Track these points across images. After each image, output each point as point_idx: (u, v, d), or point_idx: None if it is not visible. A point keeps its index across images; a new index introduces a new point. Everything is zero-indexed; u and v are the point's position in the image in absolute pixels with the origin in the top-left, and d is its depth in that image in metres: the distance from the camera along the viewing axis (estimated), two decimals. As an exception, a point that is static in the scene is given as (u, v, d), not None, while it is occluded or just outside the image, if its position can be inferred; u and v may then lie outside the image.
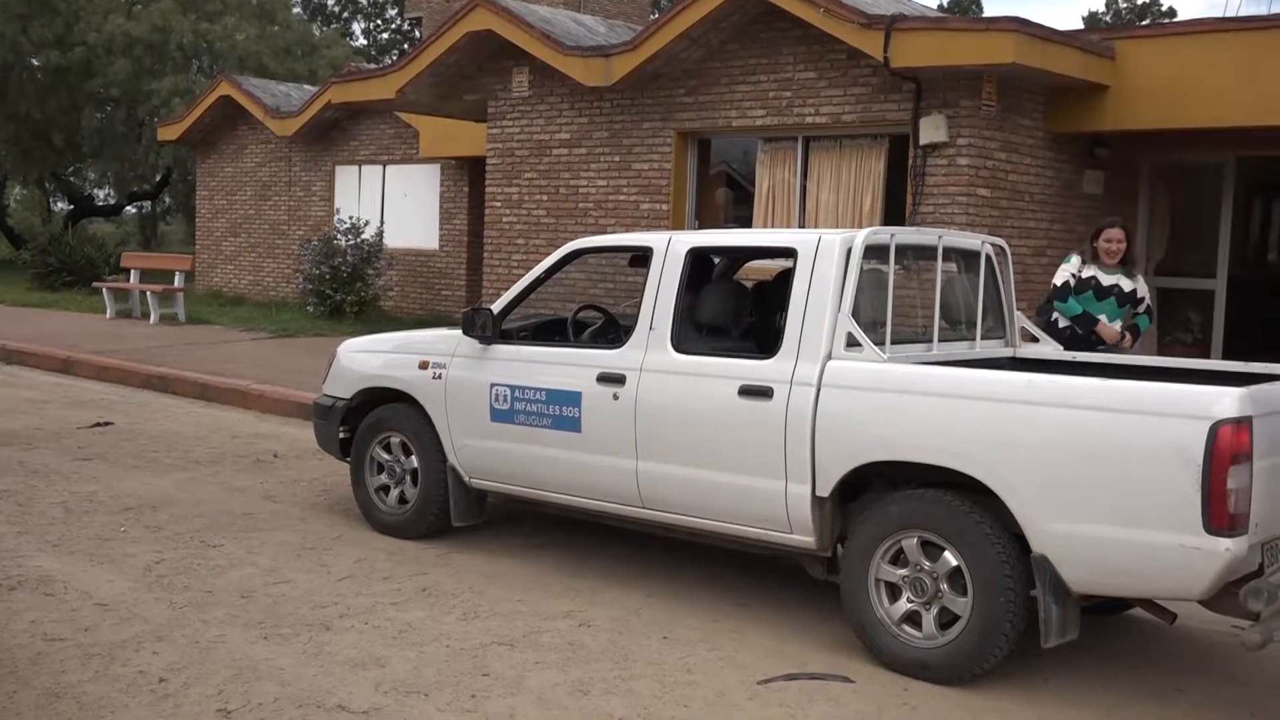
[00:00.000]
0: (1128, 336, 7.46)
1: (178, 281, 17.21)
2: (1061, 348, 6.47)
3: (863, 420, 4.84)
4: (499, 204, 13.68)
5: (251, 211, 20.41)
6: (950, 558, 4.63)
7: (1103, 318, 7.40)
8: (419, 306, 17.93)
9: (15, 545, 6.14)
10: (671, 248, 5.63)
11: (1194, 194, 12.33)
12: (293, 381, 11.24)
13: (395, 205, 18.44)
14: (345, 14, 54.95)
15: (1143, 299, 7.55)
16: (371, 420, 6.72)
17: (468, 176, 17.32)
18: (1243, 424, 4.08)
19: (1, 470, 7.86)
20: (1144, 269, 7.53)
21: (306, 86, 22.09)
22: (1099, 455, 4.28)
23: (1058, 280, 7.53)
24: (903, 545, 4.76)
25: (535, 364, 5.95)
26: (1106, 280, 7.43)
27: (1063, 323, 7.45)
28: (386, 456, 6.65)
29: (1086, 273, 7.46)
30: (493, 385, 6.06)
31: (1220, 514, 4.06)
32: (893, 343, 5.17)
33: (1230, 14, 11.28)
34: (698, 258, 5.78)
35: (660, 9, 31.63)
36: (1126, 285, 7.46)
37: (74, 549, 6.12)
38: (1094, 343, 7.30)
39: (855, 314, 5.02)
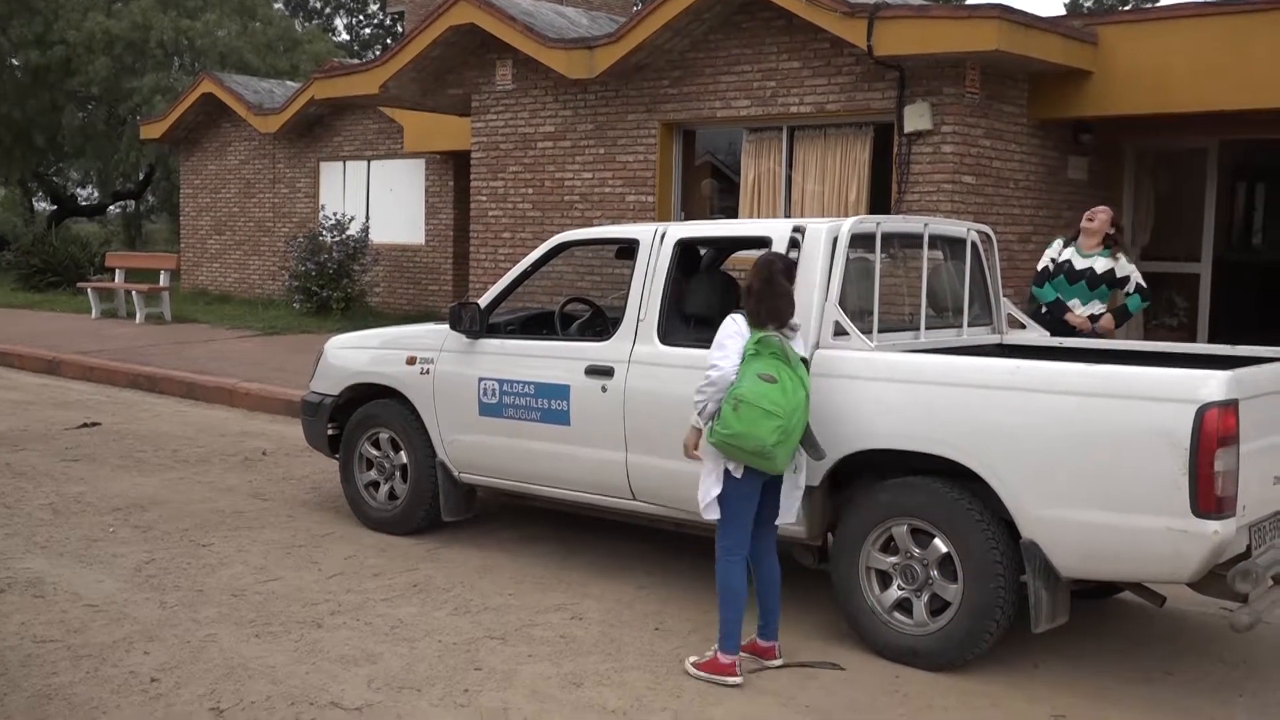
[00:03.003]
0: (1104, 319, 7.45)
1: (163, 280, 17.14)
2: (1048, 333, 6.50)
3: (851, 409, 4.85)
4: (484, 198, 13.65)
5: (236, 209, 20.33)
6: (940, 545, 4.65)
7: (1074, 303, 7.43)
8: (406, 302, 17.89)
9: (3, 547, 6.12)
10: (658, 239, 5.62)
11: (1178, 178, 12.36)
12: (280, 379, 11.21)
13: (380, 201, 18.38)
14: (327, 9, 54.72)
15: (1126, 278, 7.50)
16: (360, 417, 6.71)
17: (453, 171, 17.27)
18: (1229, 407, 4.11)
19: (-12, 472, 7.83)
20: (1120, 255, 7.48)
21: (289, 83, 21.98)
22: (1087, 440, 4.30)
23: (1039, 265, 7.62)
24: (893, 533, 4.78)
25: (523, 358, 5.95)
26: (1080, 264, 7.45)
27: (1044, 308, 7.51)
28: (375, 452, 6.64)
29: (1063, 257, 7.50)
30: (481, 379, 6.05)
31: (1208, 497, 4.08)
32: (880, 331, 5.17)
33: (1211, -2, 11.28)
34: (685, 249, 5.78)
35: (642, 0, 31.55)
36: (1101, 267, 7.42)
37: (63, 550, 6.10)
38: (1067, 328, 7.29)
39: (842, 303, 5.03)
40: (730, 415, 4.41)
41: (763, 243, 5.33)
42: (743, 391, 4.41)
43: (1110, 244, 7.50)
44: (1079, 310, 7.43)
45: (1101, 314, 7.47)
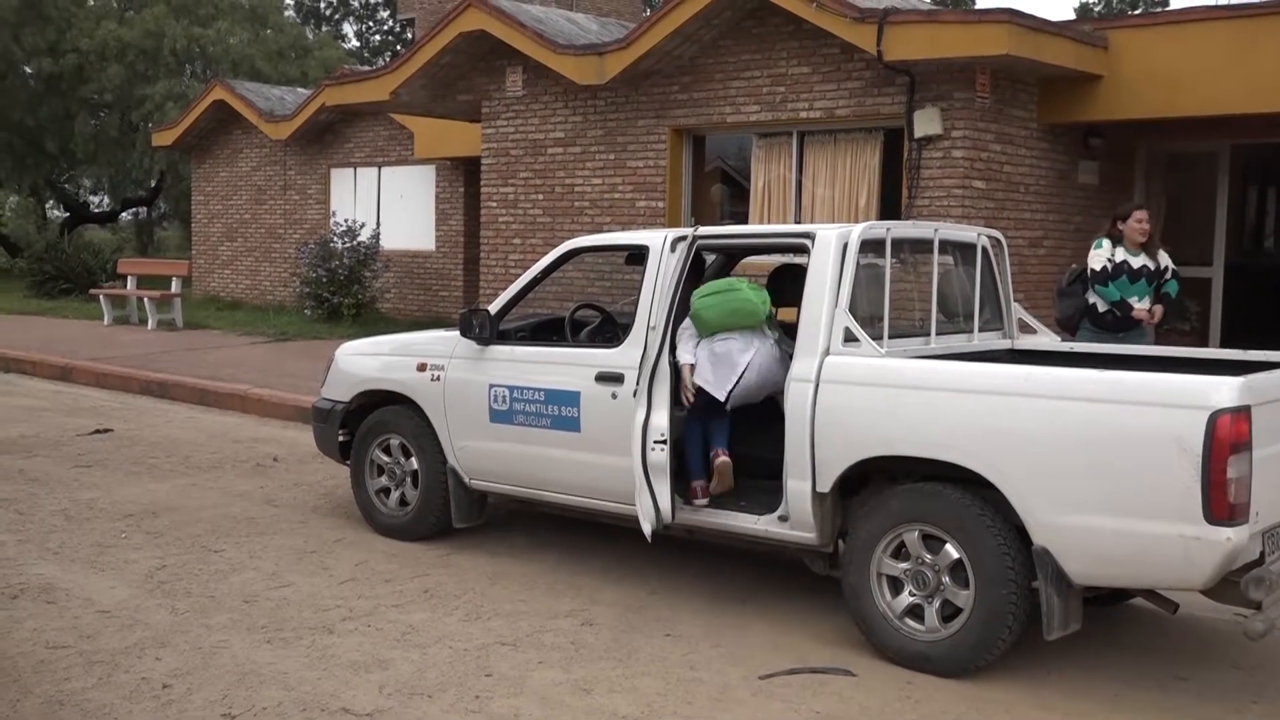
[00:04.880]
0: (1156, 309, 7.85)
1: (175, 287, 17.20)
2: (1058, 338, 6.51)
3: (862, 416, 4.84)
4: (495, 204, 13.67)
5: (247, 215, 20.39)
6: (951, 550, 4.64)
7: (1133, 299, 7.78)
8: (416, 308, 17.93)
9: (16, 553, 6.14)
10: (668, 246, 5.62)
11: (1189, 182, 12.33)
12: (291, 385, 11.23)
13: (391, 207, 18.43)
14: (337, 16, 54.91)
15: (1167, 267, 7.92)
16: (371, 423, 6.72)
17: (463, 177, 17.31)
18: (1241, 413, 4.09)
19: (1, 478, 7.85)
20: (1161, 248, 8.02)
21: (300, 89, 22.05)
22: (1098, 447, 4.28)
23: (1095, 265, 7.83)
24: (904, 539, 4.77)
25: (533, 364, 5.95)
26: (1136, 263, 7.79)
27: (1102, 306, 7.81)
28: (386, 459, 6.65)
29: (1119, 257, 7.78)
30: (491, 386, 6.06)
31: (1220, 504, 4.06)
32: (890, 337, 5.17)
33: (1221, 2, 11.29)
34: (694, 255, 5.77)
35: (653, 6, 31.60)
36: (1152, 264, 7.82)
37: (75, 556, 6.12)
38: (1128, 326, 7.73)
39: (852, 309, 5.02)
40: (699, 311, 5.31)
41: (785, 249, 5.71)
42: (698, 302, 5.33)
43: (1150, 241, 7.86)
44: (1139, 305, 7.80)
45: (1153, 306, 7.88)
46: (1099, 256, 7.78)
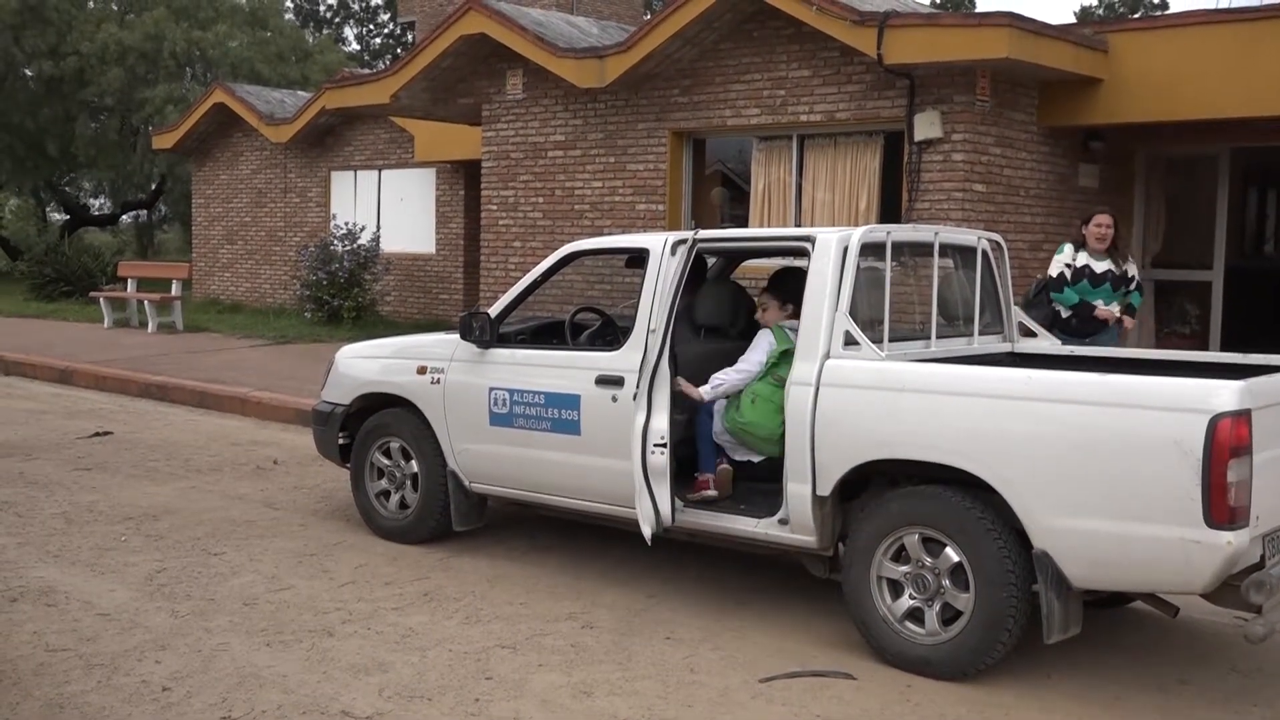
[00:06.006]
0: (1125, 321, 7.82)
1: (175, 290, 17.20)
2: (1059, 341, 6.51)
3: (862, 419, 4.84)
4: (495, 207, 13.68)
5: (248, 219, 20.40)
6: (952, 554, 4.63)
7: (1098, 302, 7.70)
8: (416, 311, 17.93)
9: (16, 556, 6.14)
10: (668, 249, 5.62)
11: (1189, 185, 12.33)
12: (291, 388, 11.24)
13: (391, 210, 18.43)
14: (337, 19, 54.95)
15: (1133, 278, 7.91)
16: (370, 426, 6.72)
17: (463, 180, 17.32)
18: (1242, 417, 4.09)
19: (1, 481, 7.86)
20: (1129, 255, 8.03)
21: (300, 92, 22.07)
22: (1099, 450, 4.28)
23: (1053, 271, 7.84)
24: (904, 542, 4.76)
25: (533, 367, 5.95)
26: (1099, 267, 7.71)
27: (1064, 313, 7.74)
28: (386, 462, 6.64)
29: (1080, 261, 7.73)
30: (491, 389, 6.06)
31: (1221, 507, 4.06)
32: (890, 340, 5.17)
33: (1222, 6, 11.34)
34: (696, 258, 5.78)
35: (653, 10, 31.63)
36: (1116, 269, 7.77)
37: (75, 559, 6.12)
38: (1093, 329, 7.63)
39: (853, 312, 5.02)
40: (747, 407, 5.32)
41: (786, 252, 5.81)
42: (759, 388, 5.32)
43: (1114, 247, 7.83)
44: (1103, 306, 7.73)
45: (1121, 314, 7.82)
46: (1057, 263, 7.77)
